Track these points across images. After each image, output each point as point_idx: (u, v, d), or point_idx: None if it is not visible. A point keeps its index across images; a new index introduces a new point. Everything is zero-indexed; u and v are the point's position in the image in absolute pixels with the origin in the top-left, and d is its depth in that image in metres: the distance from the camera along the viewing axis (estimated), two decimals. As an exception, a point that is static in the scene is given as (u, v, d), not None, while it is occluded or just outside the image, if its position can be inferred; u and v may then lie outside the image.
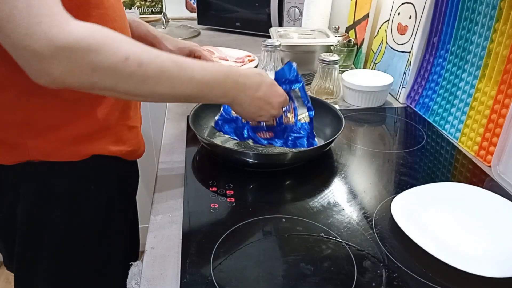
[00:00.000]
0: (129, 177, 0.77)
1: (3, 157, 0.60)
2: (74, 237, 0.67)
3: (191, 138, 0.82)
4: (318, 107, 0.86)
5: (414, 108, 0.97)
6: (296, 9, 1.43)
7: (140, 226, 1.08)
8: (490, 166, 0.73)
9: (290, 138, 0.73)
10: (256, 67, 1.14)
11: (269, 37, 1.17)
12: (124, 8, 1.72)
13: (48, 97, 0.58)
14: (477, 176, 0.72)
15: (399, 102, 1.02)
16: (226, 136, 0.80)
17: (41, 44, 0.43)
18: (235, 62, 1.22)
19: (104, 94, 0.57)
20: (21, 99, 0.57)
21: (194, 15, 1.66)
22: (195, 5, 1.66)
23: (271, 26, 1.42)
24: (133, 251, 0.90)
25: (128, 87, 0.50)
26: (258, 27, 1.52)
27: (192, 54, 0.92)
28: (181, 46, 0.91)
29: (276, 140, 0.73)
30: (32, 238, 0.66)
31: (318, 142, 0.80)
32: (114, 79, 0.49)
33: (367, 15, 1.15)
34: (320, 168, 0.74)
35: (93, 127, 0.63)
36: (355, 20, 1.24)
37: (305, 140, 0.73)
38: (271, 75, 0.71)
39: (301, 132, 0.73)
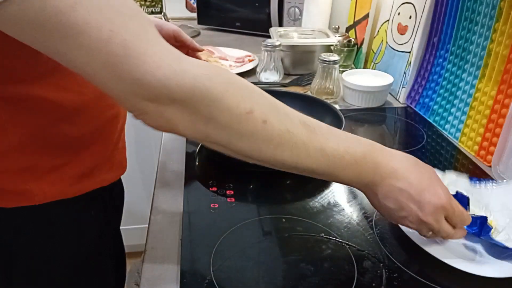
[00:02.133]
0: (117, 194, 0.75)
1: (5, 202, 0.55)
2: (69, 268, 0.64)
3: (191, 138, 0.82)
4: (318, 107, 0.86)
5: (414, 108, 0.97)
6: (296, 9, 1.43)
7: (140, 226, 1.07)
8: (490, 166, 0.73)
9: None
10: (256, 67, 1.14)
11: (269, 37, 1.17)
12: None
13: (50, 137, 0.54)
14: (477, 176, 0.72)
15: (399, 102, 1.02)
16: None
17: (150, 87, 0.36)
18: (235, 62, 1.22)
19: (212, 147, 0.45)
20: (24, 143, 0.52)
21: (194, 15, 1.66)
22: (195, 5, 1.66)
23: (271, 26, 1.42)
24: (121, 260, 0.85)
25: (244, 145, 0.42)
26: (258, 27, 1.52)
27: (178, 40, 0.78)
28: (166, 28, 0.76)
29: None
30: (28, 274, 0.62)
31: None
32: (231, 134, 0.41)
33: (367, 15, 1.15)
34: (320, 168, 0.74)
35: (96, 161, 0.60)
36: (355, 20, 1.24)
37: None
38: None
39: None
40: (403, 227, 0.57)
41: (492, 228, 0.54)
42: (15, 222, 0.58)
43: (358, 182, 0.48)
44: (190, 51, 0.79)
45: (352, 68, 1.17)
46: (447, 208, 0.47)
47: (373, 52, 1.15)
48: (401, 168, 0.47)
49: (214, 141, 0.42)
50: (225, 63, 1.21)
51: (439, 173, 0.66)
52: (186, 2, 1.78)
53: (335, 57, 0.95)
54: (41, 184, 0.55)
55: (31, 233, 0.59)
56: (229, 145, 0.42)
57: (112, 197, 0.70)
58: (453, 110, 0.86)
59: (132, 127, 0.89)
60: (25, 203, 0.56)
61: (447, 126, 0.87)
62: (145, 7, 1.74)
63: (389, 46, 1.06)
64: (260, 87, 1.11)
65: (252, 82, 1.19)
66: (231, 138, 0.41)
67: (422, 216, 0.46)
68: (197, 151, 0.78)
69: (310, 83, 1.05)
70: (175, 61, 0.38)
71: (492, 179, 0.66)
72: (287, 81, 1.11)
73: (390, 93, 1.05)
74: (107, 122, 0.61)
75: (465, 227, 0.55)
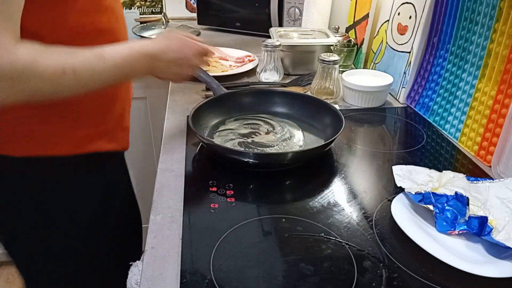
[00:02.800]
0: (120, 167, 0.88)
1: (14, 150, 0.67)
2: (76, 222, 0.75)
3: (191, 138, 0.82)
4: (318, 107, 0.86)
5: (414, 108, 0.97)
6: (296, 9, 1.43)
7: (140, 225, 1.07)
8: (490, 166, 0.73)
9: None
10: (256, 67, 1.14)
11: (269, 37, 1.17)
12: (124, 8, 1.73)
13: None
14: (477, 176, 0.72)
15: (399, 102, 1.02)
16: (227, 136, 0.81)
17: None
18: (235, 62, 1.22)
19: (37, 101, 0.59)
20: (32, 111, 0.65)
21: (194, 15, 1.66)
22: (195, 5, 1.66)
23: (271, 26, 1.42)
24: (136, 251, 0.92)
25: (66, 93, 0.58)
26: (258, 27, 1.52)
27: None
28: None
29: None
30: (38, 222, 0.73)
31: (318, 142, 0.80)
32: (54, 90, 0.56)
33: (367, 15, 1.15)
34: (320, 168, 0.74)
35: (93, 130, 0.73)
36: (355, 20, 1.24)
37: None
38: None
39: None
40: (404, 229, 0.57)
41: (493, 228, 0.54)
42: (22, 171, 0.69)
43: (148, 73, 0.69)
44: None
45: (352, 68, 1.18)
46: (199, 49, 0.75)
47: (373, 52, 1.15)
48: (164, 45, 0.70)
49: (40, 98, 0.56)
50: (225, 63, 1.21)
51: (436, 173, 0.67)
52: (186, 2, 1.78)
53: (335, 57, 0.95)
54: (39, 139, 0.67)
55: (37, 185, 0.70)
56: (54, 96, 0.58)
57: (112, 165, 0.82)
58: (453, 110, 0.86)
59: (132, 128, 0.90)
60: (32, 153, 0.67)
61: (447, 126, 0.87)
62: (145, 7, 1.74)
63: (389, 46, 1.06)
64: (258, 88, 1.13)
65: (252, 82, 1.19)
66: (55, 93, 0.57)
67: (193, 62, 0.75)
68: (197, 151, 0.78)
69: (310, 83, 1.05)
70: (11, 46, 0.50)
71: (491, 178, 0.66)
72: (287, 81, 1.11)
73: (390, 93, 1.05)
74: (106, 102, 0.75)
75: (465, 227, 0.55)
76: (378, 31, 1.13)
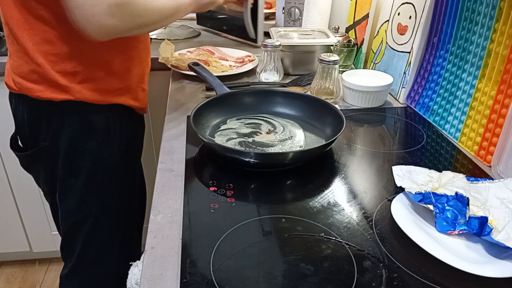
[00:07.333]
0: (140, 126, 1.02)
1: (53, 95, 0.77)
2: (105, 166, 0.86)
3: (191, 138, 0.82)
4: (319, 107, 0.86)
5: (414, 108, 0.97)
6: (296, 9, 1.43)
7: (140, 225, 1.08)
8: (490, 166, 0.73)
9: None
10: (256, 67, 1.14)
11: (269, 37, 1.17)
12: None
13: (94, 59, 0.79)
14: (477, 176, 0.72)
15: (399, 102, 1.02)
16: (228, 135, 0.81)
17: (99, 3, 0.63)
18: (235, 62, 1.22)
19: (139, 31, 0.74)
20: (74, 54, 0.77)
21: (194, 15, 1.66)
22: (195, 5, 1.65)
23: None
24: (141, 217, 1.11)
25: (155, 17, 0.72)
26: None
27: None
28: None
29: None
30: (72, 165, 0.84)
31: (319, 142, 0.80)
32: (156, 17, 0.72)
33: (367, 15, 1.15)
34: (320, 168, 0.74)
35: (120, 86, 0.85)
36: (355, 20, 1.24)
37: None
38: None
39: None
40: (404, 229, 0.57)
41: (493, 228, 0.54)
42: (60, 113, 0.80)
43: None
44: None
45: (352, 68, 1.18)
46: None
47: (373, 52, 1.15)
48: None
49: (143, 24, 0.72)
50: (225, 63, 1.21)
51: (436, 173, 0.67)
52: (186, 2, 1.78)
53: (335, 57, 0.95)
54: (80, 86, 0.79)
55: (72, 127, 0.81)
56: (154, 24, 0.75)
57: (135, 121, 0.96)
58: (453, 110, 0.86)
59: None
60: (67, 97, 0.78)
61: (447, 126, 0.87)
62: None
63: (389, 46, 1.06)
64: (260, 88, 1.13)
65: (252, 82, 1.19)
66: (157, 19, 0.74)
67: None
68: (197, 150, 0.78)
69: (310, 83, 1.05)
70: None
71: (491, 179, 0.66)
72: (287, 81, 1.11)
73: (390, 93, 1.05)
74: (129, 63, 0.86)
75: (465, 227, 0.55)
76: (378, 31, 1.13)
